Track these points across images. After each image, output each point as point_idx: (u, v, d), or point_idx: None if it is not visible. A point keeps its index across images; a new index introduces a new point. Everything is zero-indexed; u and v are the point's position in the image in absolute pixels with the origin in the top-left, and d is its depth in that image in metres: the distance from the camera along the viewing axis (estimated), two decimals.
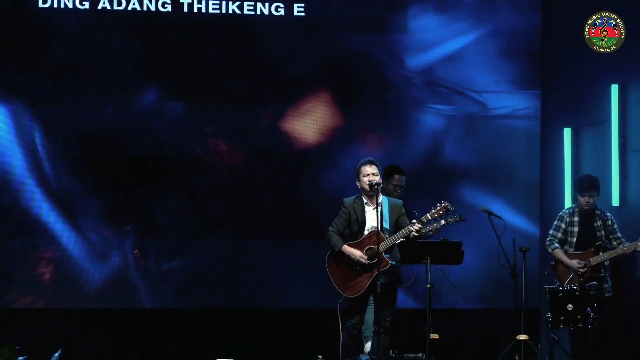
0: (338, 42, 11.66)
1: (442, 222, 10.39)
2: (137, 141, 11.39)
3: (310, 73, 11.61)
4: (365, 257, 9.30)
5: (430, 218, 9.46)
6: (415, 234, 9.21)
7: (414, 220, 9.29)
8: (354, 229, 9.44)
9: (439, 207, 9.43)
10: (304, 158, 11.59)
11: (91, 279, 11.34)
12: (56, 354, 9.94)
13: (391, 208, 9.42)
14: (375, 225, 9.32)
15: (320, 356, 10.08)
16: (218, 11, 11.49)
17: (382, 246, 9.23)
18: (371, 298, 9.59)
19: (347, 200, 9.52)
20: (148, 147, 11.40)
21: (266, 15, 11.55)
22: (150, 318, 11.33)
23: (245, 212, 11.51)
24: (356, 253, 9.31)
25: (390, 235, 9.30)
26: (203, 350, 11.12)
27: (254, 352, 11.14)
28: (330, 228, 9.47)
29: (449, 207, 9.44)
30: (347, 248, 9.35)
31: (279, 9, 11.58)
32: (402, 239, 9.30)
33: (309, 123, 11.66)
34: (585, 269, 10.31)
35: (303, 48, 11.62)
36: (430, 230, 10.39)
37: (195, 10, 11.47)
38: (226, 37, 11.50)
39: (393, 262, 9.30)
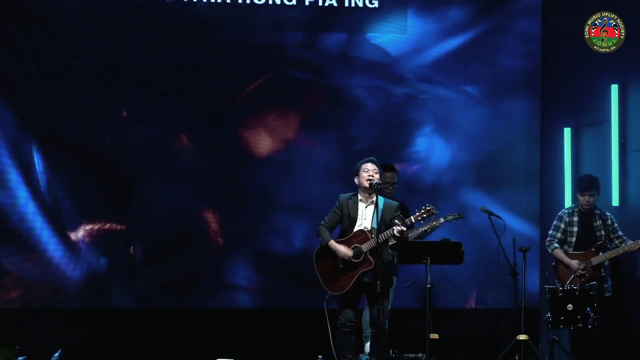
0: (333, 39, 11.68)
1: (442, 220, 10.42)
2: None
3: (305, 70, 11.63)
4: (351, 254, 9.31)
5: (413, 220, 9.49)
6: (397, 234, 9.23)
7: (397, 222, 9.30)
8: (345, 225, 9.48)
9: (422, 211, 9.49)
10: (298, 158, 11.60)
11: (91, 279, 11.35)
12: (56, 354, 9.94)
13: (385, 208, 9.42)
14: (365, 223, 9.34)
15: (320, 356, 10.08)
16: None
17: (367, 246, 9.26)
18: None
19: (343, 196, 9.55)
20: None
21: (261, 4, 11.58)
22: (150, 318, 11.33)
23: (240, 212, 11.53)
24: (341, 249, 9.34)
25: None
26: (203, 351, 11.11)
27: (254, 352, 11.14)
28: (322, 222, 9.51)
29: (433, 210, 9.47)
30: (333, 243, 9.38)
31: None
32: (392, 240, 9.33)
33: (304, 122, 11.67)
34: (585, 270, 10.30)
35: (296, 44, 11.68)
36: (429, 229, 10.40)
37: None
38: (220, 30, 11.55)
39: (380, 262, 9.32)
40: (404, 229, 9.27)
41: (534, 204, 11.81)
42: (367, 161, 9.52)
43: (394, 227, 9.21)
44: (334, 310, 9.49)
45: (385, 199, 9.60)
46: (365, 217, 9.41)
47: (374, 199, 9.38)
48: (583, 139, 11.50)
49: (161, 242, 11.44)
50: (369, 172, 9.44)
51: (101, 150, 11.39)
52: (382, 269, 9.32)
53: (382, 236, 9.28)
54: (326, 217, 9.54)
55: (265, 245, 11.53)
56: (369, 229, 9.33)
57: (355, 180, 9.53)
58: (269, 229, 11.54)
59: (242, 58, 11.55)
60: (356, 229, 9.42)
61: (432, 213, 9.49)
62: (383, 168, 10.53)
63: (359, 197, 9.50)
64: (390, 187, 10.55)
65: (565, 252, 10.48)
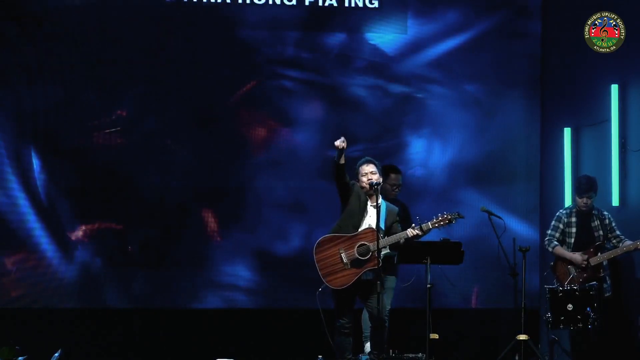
0: (333, 39, 11.68)
1: None
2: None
3: (305, 70, 11.63)
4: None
5: (430, 227, 9.40)
6: (414, 239, 9.22)
7: (414, 225, 9.29)
8: (353, 205, 9.35)
9: (441, 218, 9.39)
10: (297, 157, 11.60)
11: (90, 279, 11.35)
12: (56, 354, 9.94)
13: (388, 212, 9.42)
14: (371, 223, 9.33)
15: (320, 356, 10.08)
16: None
17: (374, 246, 9.23)
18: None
19: (358, 185, 9.50)
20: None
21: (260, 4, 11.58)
22: (149, 318, 11.34)
23: (238, 212, 11.53)
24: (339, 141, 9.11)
25: (382, 238, 9.30)
26: (203, 351, 11.12)
27: (254, 352, 11.14)
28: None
29: (452, 219, 9.39)
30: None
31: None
32: (391, 242, 9.32)
33: (303, 122, 11.67)
34: (587, 265, 10.29)
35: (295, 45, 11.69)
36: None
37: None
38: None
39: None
40: (420, 233, 9.26)
41: (534, 204, 11.81)
42: (364, 162, 9.48)
43: (410, 230, 9.19)
44: (329, 309, 9.46)
45: (387, 203, 9.57)
46: (370, 215, 9.39)
47: (378, 202, 9.36)
48: (583, 139, 11.50)
49: (159, 242, 11.43)
50: (367, 174, 9.41)
51: (98, 150, 11.38)
52: (380, 270, 9.34)
53: (385, 241, 9.27)
54: None
55: (264, 245, 11.53)
56: (374, 228, 9.31)
57: (357, 183, 9.51)
58: (268, 228, 11.54)
59: (241, 57, 11.55)
60: (363, 226, 9.39)
61: (452, 221, 9.42)
62: (389, 170, 10.54)
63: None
64: (396, 189, 10.56)
65: None
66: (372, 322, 9.45)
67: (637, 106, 10.84)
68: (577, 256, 10.36)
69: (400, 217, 9.65)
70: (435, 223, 9.39)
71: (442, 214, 9.41)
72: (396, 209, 9.59)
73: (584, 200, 10.43)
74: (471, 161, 11.78)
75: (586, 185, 10.42)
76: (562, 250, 10.46)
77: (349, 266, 9.30)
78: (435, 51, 11.79)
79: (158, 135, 11.49)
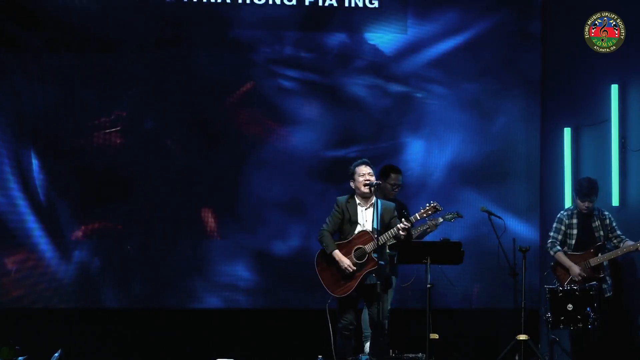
0: (333, 39, 11.68)
1: (440, 219, 10.42)
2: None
3: (305, 70, 11.63)
4: (354, 267, 9.30)
5: (419, 218, 9.46)
6: (402, 232, 9.21)
7: (402, 219, 9.30)
8: (345, 228, 9.45)
9: (427, 207, 9.44)
10: (297, 157, 11.60)
11: (90, 279, 11.35)
12: (56, 354, 9.94)
13: (384, 210, 9.42)
14: (367, 225, 9.33)
15: (320, 356, 10.08)
16: None
17: (370, 247, 9.25)
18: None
19: (341, 199, 9.52)
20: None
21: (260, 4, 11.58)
22: (149, 318, 11.33)
23: (237, 212, 11.52)
24: (345, 261, 9.31)
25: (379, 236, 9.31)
26: (203, 351, 11.11)
27: (254, 352, 11.14)
28: (323, 226, 9.47)
29: (437, 207, 9.43)
30: (338, 254, 9.34)
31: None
32: (392, 240, 9.32)
33: (303, 121, 11.66)
34: (585, 273, 10.28)
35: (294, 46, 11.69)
36: (429, 228, 10.41)
37: None
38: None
39: (382, 263, 9.31)
40: (409, 225, 9.26)
41: (534, 204, 11.81)
42: (360, 164, 9.49)
43: (399, 224, 9.20)
44: (334, 310, 9.47)
45: (382, 200, 9.58)
46: (366, 219, 9.40)
47: (373, 201, 9.37)
48: (583, 139, 11.50)
49: (158, 242, 11.43)
50: (364, 176, 9.42)
51: (98, 150, 11.38)
52: (384, 270, 9.32)
53: (383, 237, 9.28)
54: (327, 221, 9.49)
55: (263, 246, 11.53)
56: (371, 230, 9.32)
57: (351, 184, 9.51)
58: (267, 228, 11.54)
59: (241, 57, 11.55)
60: (357, 230, 9.40)
61: (437, 209, 9.46)
62: (389, 169, 10.55)
63: (357, 200, 9.49)
64: (396, 189, 10.57)
65: (565, 253, 10.47)
66: (371, 327, 9.47)
67: (637, 106, 10.84)
68: (574, 268, 10.31)
69: (397, 214, 9.65)
70: (423, 213, 9.45)
71: (429, 203, 9.44)
72: (392, 204, 9.60)
73: (586, 204, 10.41)
74: (471, 161, 11.78)
75: (587, 189, 10.39)
76: (563, 257, 10.40)
77: (350, 272, 9.32)
78: (435, 51, 11.79)
79: (158, 135, 11.49)
